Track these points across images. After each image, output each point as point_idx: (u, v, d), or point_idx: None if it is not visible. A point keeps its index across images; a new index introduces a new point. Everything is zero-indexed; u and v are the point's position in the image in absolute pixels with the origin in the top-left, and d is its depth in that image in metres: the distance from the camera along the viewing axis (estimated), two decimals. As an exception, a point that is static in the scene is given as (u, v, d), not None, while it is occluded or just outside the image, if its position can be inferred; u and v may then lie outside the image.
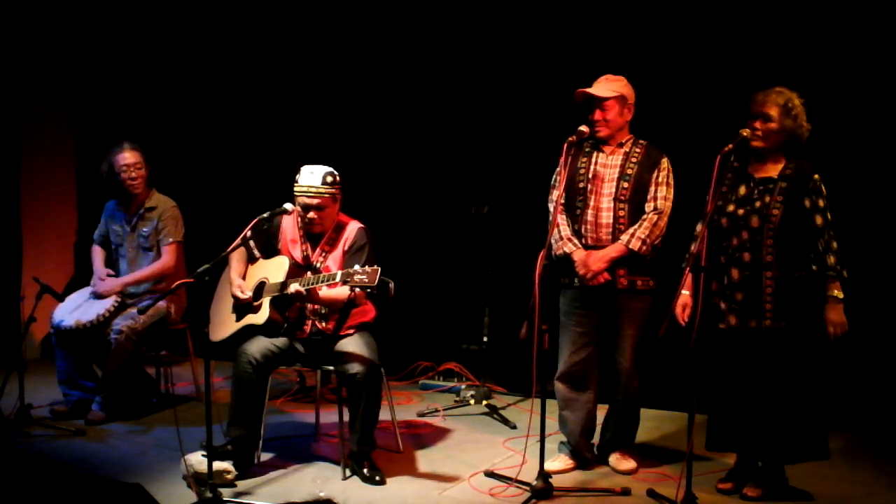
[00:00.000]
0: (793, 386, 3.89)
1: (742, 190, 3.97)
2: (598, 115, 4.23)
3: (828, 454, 4.01)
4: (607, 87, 4.25)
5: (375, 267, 3.96)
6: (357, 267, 4.01)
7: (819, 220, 3.86)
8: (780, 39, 5.13)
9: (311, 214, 4.34)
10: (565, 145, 4.20)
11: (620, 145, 4.31)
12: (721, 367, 3.99)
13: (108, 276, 5.35)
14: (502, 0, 5.93)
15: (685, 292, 4.02)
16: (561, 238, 4.28)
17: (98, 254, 5.49)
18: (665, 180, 4.27)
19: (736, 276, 3.93)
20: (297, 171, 4.36)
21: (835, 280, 3.85)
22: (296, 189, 4.33)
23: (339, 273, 4.04)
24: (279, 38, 6.63)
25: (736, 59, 5.21)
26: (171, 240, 5.33)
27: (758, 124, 3.89)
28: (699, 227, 4.10)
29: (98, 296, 5.27)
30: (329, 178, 4.32)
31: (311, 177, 4.31)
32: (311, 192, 4.31)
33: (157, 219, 5.34)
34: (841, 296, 3.85)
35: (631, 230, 4.21)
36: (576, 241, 4.27)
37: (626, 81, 4.29)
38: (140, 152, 5.35)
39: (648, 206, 4.24)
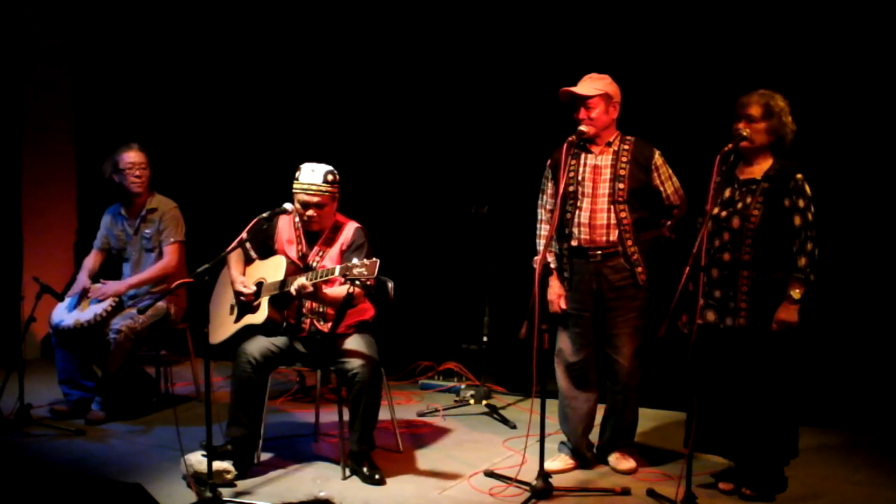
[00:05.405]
0: (765, 387, 3.89)
1: (727, 193, 3.99)
2: (582, 113, 4.22)
3: (797, 453, 4.01)
4: (591, 85, 4.24)
5: (374, 259, 3.95)
6: (355, 260, 4.00)
7: (797, 220, 3.86)
8: (769, 41, 5.12)
9: (311, 212, 4.33)
10: (565, 144, 4.19)
11: (609, 144, 4.29)
12: (699, 365, 3.98)
13: (102, 280, 5.34)
14: (503, 1, 5.93)
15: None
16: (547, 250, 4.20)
17: (89, 261, 5.46)
18: (668, 175, 4.30)
19: (715, 275, 3.95)
20: (298, 169, 4.36)
21: (799, 282, 3.83)
22: (296, 186, 4.33)
23: (338, 267, 4.04)
24: (279, 38, 6.63)
25: (721, 60, 5.20)
26: (172, 240, 5.35)
27: (741, 125, 3.91)
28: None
29: (97, 301, 5.23)
30: (329, 177, 4.32)
31: (312, 175, 4.31)
32: (311, 190, 4.30)
33: (159, 220, 5.36)
34: (797, 297, 3.82)
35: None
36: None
37: (610, 80, 4.28)
38: (146, 154, 5.40)
39: (668, 204, 4.31)
